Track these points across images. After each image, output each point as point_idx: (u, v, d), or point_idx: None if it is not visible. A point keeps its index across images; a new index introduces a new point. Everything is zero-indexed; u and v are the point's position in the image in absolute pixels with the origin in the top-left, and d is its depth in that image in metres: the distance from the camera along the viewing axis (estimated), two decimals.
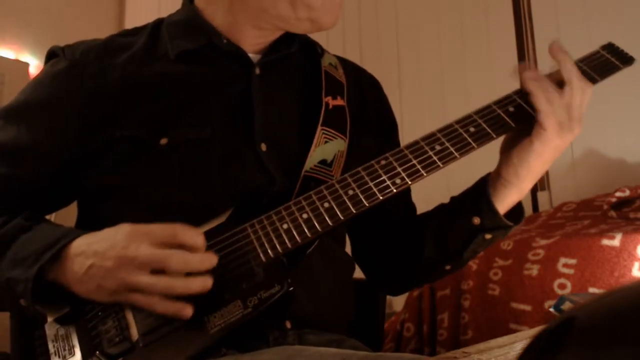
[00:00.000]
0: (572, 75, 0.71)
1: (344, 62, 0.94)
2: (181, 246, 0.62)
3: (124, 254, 0.61)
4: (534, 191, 1.95)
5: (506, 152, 0.74)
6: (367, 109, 0.90)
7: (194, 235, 0.63)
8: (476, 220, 0.75)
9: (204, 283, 0.61)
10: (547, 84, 0.71)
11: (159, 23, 0.84)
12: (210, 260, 0.63)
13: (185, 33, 0.81)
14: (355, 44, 2.60)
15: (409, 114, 2.14)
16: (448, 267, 0.82)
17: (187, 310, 0.61)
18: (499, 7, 2.15)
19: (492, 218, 0.75)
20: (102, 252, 0.62)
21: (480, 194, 0.76)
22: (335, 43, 2.60)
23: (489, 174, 0.78)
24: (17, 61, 3.05)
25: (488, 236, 0.76)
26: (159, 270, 0.61)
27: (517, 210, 0.78)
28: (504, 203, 0.75)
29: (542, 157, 0.71)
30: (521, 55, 2.04)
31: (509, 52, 2.07)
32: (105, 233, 0.65)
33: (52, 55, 0.80)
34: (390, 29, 2.51)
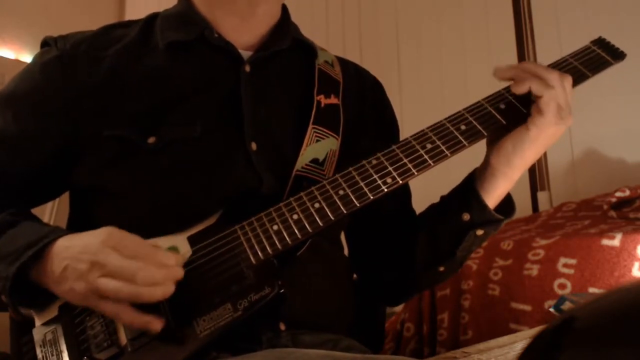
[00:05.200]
0: (547, 78, 0.70)
1: (345, 62, 0.93)
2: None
3: (95, 258, 0.60)
4: (533, 191, 1.95)
5: (497, 141, 0.73)
6: (366, 110, 0.89)
7: (166, 256, 0.62)
8: (466, 217, 0.75)
9: (165, 290, 0.60)
10: (540, 70, 0.71)
11: (154, 16, 0.84)
12: (176, 274, 0.62)
13: (178, 25, 0.80)
14: (355, 44, 2.60)
15: (409, 114, 2.14)
16: (442, 269, 0.80)
17: (156, 324, 0.61)
18: (499, 7, 2.15)
19: (481, 213, 0.74)
20: (76, 254, 0.62)
21: (468, 189, 0.76)
22: (335, 43, 2.60)
23: (475, 169, 0.77)
24: (17, 61, 3.05)
25: (479, 232, 0.75)
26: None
27: (507, 204, 0.77)
28: (493, 195, 0.74)
29: (536, 144, 0.71)
30: (521, 55, 2.04)
31: (509, 52, 2.07)
32: (86, 236, 0.64)
33: (45, 45, 0.80)
34: (390, 29, 2.51)
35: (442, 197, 0.82)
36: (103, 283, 0.59)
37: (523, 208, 1.91)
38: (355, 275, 0.90)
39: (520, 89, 0.71)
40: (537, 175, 1.95)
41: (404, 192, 0.90)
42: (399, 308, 1.60)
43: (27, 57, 3.08)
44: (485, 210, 0.74)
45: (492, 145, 0.74)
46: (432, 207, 0.83)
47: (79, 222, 0.79)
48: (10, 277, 0.64)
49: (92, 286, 0.60)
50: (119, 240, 0.62)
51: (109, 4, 3.62)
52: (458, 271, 0.84)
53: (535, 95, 0.70)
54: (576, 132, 1.84)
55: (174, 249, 0.66)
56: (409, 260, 0.81)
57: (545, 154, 1.94)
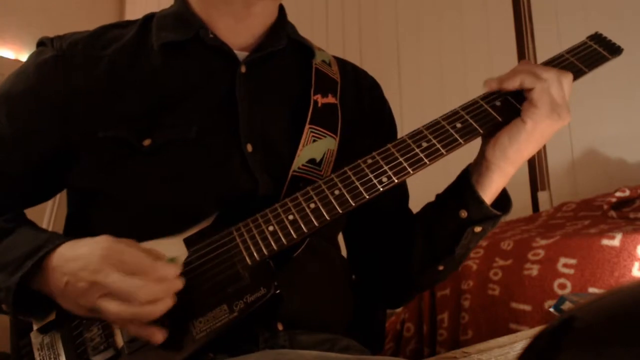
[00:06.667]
0: (538, 72, 0.70)
1: (342, 62, 0.93)
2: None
3: (95, 278, 0.59)
4: (534, 191, 1.95)
5: (493, 135, 0.73)
6: (364, 110, 0.89)
7: (166, 269, 0.61)
8: (463, 214, 0.74)
9: (165, 306, 0.60)
10: (532, 66, 0.71)
11: (150, 16, 0.83)
12: (175, 287, 0.61)
13: (173, 26, 0.80)
14: (355, 44, 2.60)
15: (409, 114, 2.14)
16: (441, 268, 0.80)
17: (158, 336, 0.61)
18: (499, 7, 2.15)
19: (478, 209, 0.74)
20: (76, 271, 0.61)
21: (464, 186, 0.75)
22: (335, 43, 2.60)
23: (469, 165, 0.77)
24: (17, 61, 3.05)
25: (477, 229, 0.74)
26: None
27: (503, 200, 0.76)
28: (489, 191, 0.74)
29: (532, 138, 0.70)
30: (521, 55, 2.04)
31: (509, 52, 2.07)
32: (84, 247, 0.63)
33: (40, 45, 0.79)
34: (390, 29, 2.51)
35: (438, 196, 0.81)
36: (103, 305, 0.59)
37: (523, 208, 1.91)
38: (354, 276, 0.90)
39: (511, 84, 0.71)
40: (537, 175, 1.95)
41: (401, 193, 0.90)
42: (399, 308, 1.60)
43: (26, 57, 3.08)
44: (482, 206, 0.73)
45: (487, 139, 0.74)
46: (429, 206, 0.83)
47: (76, 222, 0.79)
48: (13, 288, 0.63)
49: (93, 305, 0.60)
50: (118, 255, 0.60)
51: (109, 4, 3.62)
52: (458, 269, 0.84)
53: (526, 89, 0.70)
54: (576, 132, 1.84)
55: (174, 260, 0.65)
56: (408, 261, 0.81)
57: (545, 154, 1.94)
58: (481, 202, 0.73)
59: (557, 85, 0.69)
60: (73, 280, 0.61)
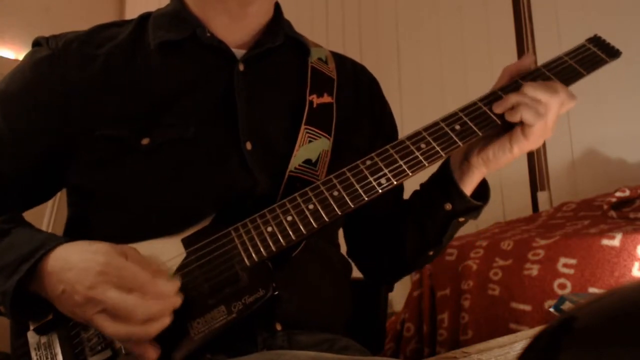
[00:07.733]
0: (541, 106, 0.71)
1: (341, 58, 0.93)
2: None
3: (92, 294, 0.58)
4: (534, 191, 1.95)
5: (478, 144, 0.77)
6: (362, 107, 0.89)
7: (165, 286, 0.60)
8: (448, 206, 0.79)
9: (161, 325, 0.59)
10: (535, 91, 0.71)
11: (146, 16, 0.83)
12: (174, 304, 0.60)
13: (170, 25, 0.79)
14: (355, 43, 2.60)
15: (409, 114, 2.14)
16: (431, 253, 0.86)
17: (151, 354, 0.60)
18: (499, 7, 2.15)
19: (462, 202, 0.79)
20: (72, 282, 0.59)
21: (447, 181, 0.80)
22: (335, 42, 2.60)
23: (450, 159, 0.81)
24: (17, 61, 3.05)
25: (461, 219, 0.80)
26: None
27: (483, 190, 0.81)
28: (470, 185, 0.79)
29: (514, 157, 0.75)
30: (521, 55, 2.04)
31: (509, 52, 2.07)
32: (80, 257, 0.61)
33: (36, 45, 0.79)
34: (390, 28, 2.51)
35: (422, 185, 0.86)
36: (99, 322, 0.58)
37: (523, 208, 1.91)
38: (357, 273, 0.92)
39: (513, 118, 0.72)
40: (537, 175, 1.95)
41: (397, 188, 0.91)
42: (399, 308, 1.60)
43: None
44: (465, 199, 0.78)
45: (474, 145, 0.77)
46: (416, 197, 0.87)
47: (76, 224, 0.78)
48: (10, 292, 0.62)
49: (89, 319, 0.59)
50: (116, 272, 0.58)
51: (109, 4, 3.62)
52: (445, 249, 0.89)
53: (526, 122, 0.71)
54: (576, 132, 1.84)
55: (174, 275, 0.64)
56: (402, 250, 0.86)
57: (545, 154, 1.94)
58: (464, 196, 0.78)
59: (554, 114, 0.71)
60: (69, 290, 0.60)
